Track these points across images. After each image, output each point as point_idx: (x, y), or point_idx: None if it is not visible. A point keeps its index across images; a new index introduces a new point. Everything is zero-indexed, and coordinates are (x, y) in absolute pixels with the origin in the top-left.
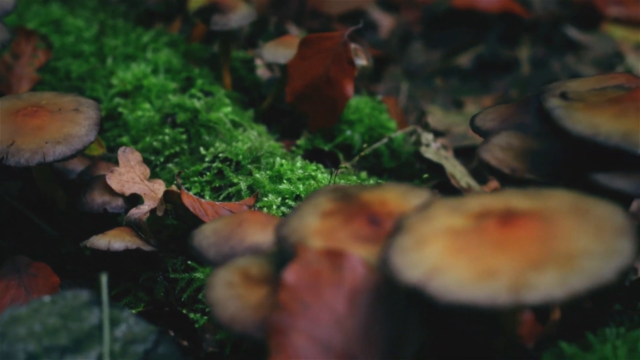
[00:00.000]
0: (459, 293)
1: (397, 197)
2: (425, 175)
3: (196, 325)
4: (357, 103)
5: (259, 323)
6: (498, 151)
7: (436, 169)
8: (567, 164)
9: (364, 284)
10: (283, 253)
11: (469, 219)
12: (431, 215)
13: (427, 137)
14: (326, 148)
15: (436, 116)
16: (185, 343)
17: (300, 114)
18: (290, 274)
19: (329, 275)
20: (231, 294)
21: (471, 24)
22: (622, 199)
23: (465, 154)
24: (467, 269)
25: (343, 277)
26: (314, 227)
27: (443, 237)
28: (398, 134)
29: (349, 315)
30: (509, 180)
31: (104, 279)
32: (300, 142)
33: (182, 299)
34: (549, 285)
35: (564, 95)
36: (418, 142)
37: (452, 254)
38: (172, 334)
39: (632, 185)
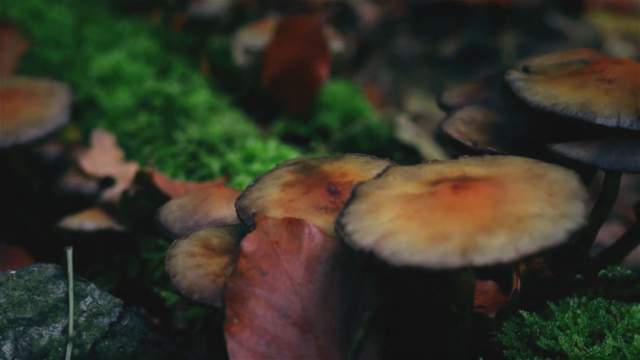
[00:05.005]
0: (410, 256)
1: (357, 168)
2: (398, 155)
3: (167, 303)
4: (335, 88)
5: (218, 291)
6: (460, 124)
7: (413, 152)
8: (529, 136)
9: (321, 252)
10: (243, 224)
11: (424, 186)
12: (387, 182)
13: (403, 120)
14: (302, 132)
15: (416, 102)
16: (156, 320)
17: (277, 98)
18: (249, 243)
19: (286, 243)
20: (191, 264)
21: (455, 13)
22: (583, 170)
23: (446, 139)
24: (419, 233)
25: (301, 246)
26: (274, 198)
27: (397, 203)
28: (374, 117)
29: (306, 283)
30: (471, 153)
31: (69, 252)
32: (276, 125)
33: (154, 278)
34: (499, 247)
35: (526, 69)
36: (394, 126)
37: (405, 219)
38: (143, 311)
39: (589, 154)
